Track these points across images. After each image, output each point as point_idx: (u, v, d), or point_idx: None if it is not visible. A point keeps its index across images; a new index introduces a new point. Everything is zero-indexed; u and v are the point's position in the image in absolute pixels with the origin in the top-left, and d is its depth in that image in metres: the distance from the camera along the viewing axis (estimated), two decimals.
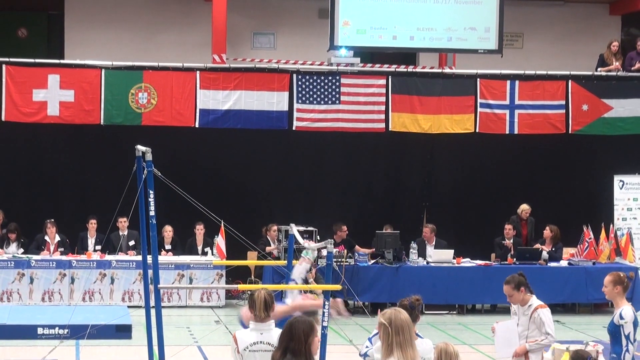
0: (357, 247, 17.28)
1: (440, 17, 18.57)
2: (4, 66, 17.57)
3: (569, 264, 17.34)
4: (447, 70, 19.55)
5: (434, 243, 17.25)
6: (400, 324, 5.97)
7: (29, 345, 13.35)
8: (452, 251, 17.07)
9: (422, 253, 17.05)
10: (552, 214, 18.29)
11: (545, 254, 17.33)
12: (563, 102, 18.99)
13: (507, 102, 18.82)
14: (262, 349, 6.93)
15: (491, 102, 18.79)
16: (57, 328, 13.71)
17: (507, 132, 18.88)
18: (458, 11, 18.58)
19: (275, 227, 17.18)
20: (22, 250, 16.91)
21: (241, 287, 13.47)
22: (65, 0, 20.80)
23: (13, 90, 17.52)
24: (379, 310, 7.76)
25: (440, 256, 16.97)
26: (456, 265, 16.91)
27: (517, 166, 19.19)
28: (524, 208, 18.15)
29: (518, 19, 21.07)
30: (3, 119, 17.55)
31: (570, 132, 19.03)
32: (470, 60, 19.62)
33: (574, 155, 19.24)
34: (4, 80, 17.50)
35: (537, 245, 17.55)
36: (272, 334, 6.98)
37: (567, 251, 17.76)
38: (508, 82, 18.86)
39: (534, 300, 8.71)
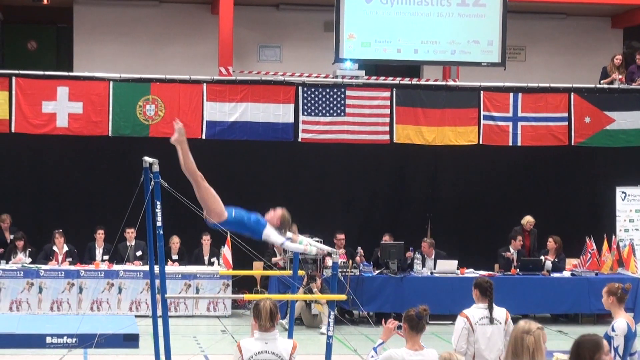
0: (358, 257, 17.38)
1: (444, 30, 18.76)
2: (14, 78, 17.75)
3: (572, 274, 17.47)
4: (450, 82, 19.72)
5: (433, 257, 17.40)
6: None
7: (37, 354, 13.51)
8: (456, 262, 17.19)
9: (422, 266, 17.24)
10: (555, 225, 18.42)
11: (548, 264, 17.46)
12: (566, 115, 19.13)
13: (510, 114, 18.97)
14: (267, 359, 7.01)
15: (494, 114, 18.95)
16: (65, 337, 13.84)
17: (511, 144, 19.02)
18: (461, 25, 18.76)
19: None
20: (29, 259, 17.08)
21: (247, 297, 13.54)
22: (74, 14, 21.00)
23: (23, 102, 17.71)
24: (383, 320, 7.85)
25: (444, 267, 17.11)
26: (460, 275, 17.04)
27: (520, 178, 19.31)
28: (528, 219, 18.27)
29: (521, 33, 21.24)
30: (13, 130, 17.73)
31: (572, 144, 19.15)
32: (474, 73, 19.80)
33: (576, 167, 19.37)
34: (14, 92, 17.68)
35: (547, 258, 17.63)
36: (277, 343, 7.07)
37: (570, 262, 17.90)
38: (511, 94, 19.00)
39: (471, 307, 8.64)
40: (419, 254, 17.24)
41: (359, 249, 17.31)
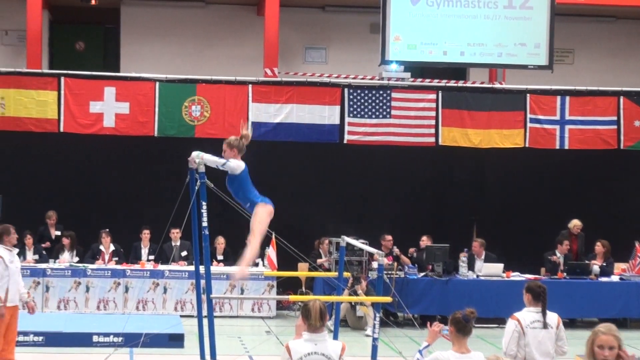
0: (402, 258, 17.35)
1: (491, 32, 18.65)
2: (62, 79, 17.94)
3: (621, 279, 17.30)
4: (497, 85, 19.60)
5: (483, 257, 17.32)
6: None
7: (84, 353, 13.57)
8: (501, 265, 17.09)
9: (471, 267, 17.14)
10: (603, 229, 18.24)
11: (596, 268, 17.29)
12: (614, 118, 18.95)
13: (558, 117, 18.82)
14: None
15: (541, 117, 18.81)
16: (111, 336, 13.92)
17: (558, 147, 18.87)
18: (508, 27, 18.64)
19: (327, 241, 17.33)
20: (77, 258, 17.22)
21: (292, 297, 13.56)
22: (121, 14, 21.20)
23: (71, 102, 17.89)
24: (428, 322, 7.81)
25: (490, 270, 17.02)
26: (506, 279, 16.93)
27: (568, 181, 19.16)
28: (576, 223, 18.11)
29: (569, 35, 21.08)
30: (62, 130, 17.92)
31: (622, 147, 18.98)
32: (520, 76, 19.67)
33: (625, 170, 19.18)
34: (62, 92, 17.89)
35: (594, 262, 17.47)
36: (327, 344, 7.03)
37: (619, 266, 17.72)
38: (558, 97, 18.86)
39: (522, 311, 8.61)
40: (464, 257, 17.15)
41: (395, 248, 17.23)
